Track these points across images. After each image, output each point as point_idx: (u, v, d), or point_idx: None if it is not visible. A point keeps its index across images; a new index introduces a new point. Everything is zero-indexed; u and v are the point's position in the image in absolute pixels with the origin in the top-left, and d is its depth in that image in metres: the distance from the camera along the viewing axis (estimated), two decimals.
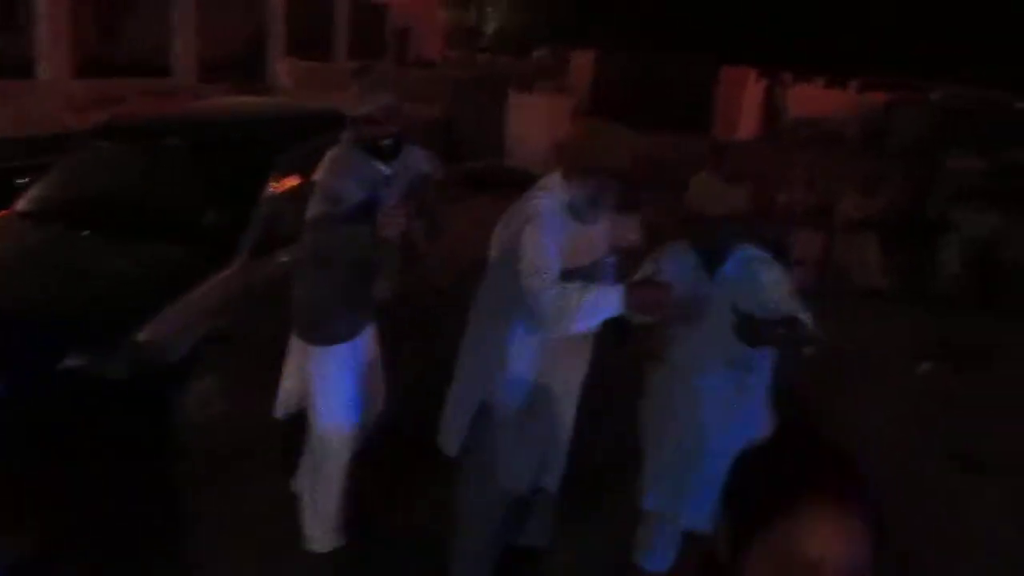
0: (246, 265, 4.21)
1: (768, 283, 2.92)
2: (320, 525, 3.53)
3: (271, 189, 4.50)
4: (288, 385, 3.63)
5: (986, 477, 4.81)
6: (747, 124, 22.84)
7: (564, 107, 13.84)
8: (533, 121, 11.77)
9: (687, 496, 3.06)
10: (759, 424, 2.91)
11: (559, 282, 2.66)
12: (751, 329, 2.65)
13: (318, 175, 3.31)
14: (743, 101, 22.73)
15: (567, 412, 3.07)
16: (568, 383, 3.04)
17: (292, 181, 4.66)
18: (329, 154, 3.34)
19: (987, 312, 7.48)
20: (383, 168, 3.28)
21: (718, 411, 3.00)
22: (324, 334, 3.35)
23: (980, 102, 23.75)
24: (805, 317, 2.79)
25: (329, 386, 3.35)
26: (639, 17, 28.54)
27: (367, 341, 3.51)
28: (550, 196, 2.85)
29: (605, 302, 2.62)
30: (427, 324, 5.30)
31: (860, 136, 23.27)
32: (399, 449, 4.07)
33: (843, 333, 7.02)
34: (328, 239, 3.20)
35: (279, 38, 19.95)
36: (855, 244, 8.46)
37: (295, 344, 3.54)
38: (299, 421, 3.60)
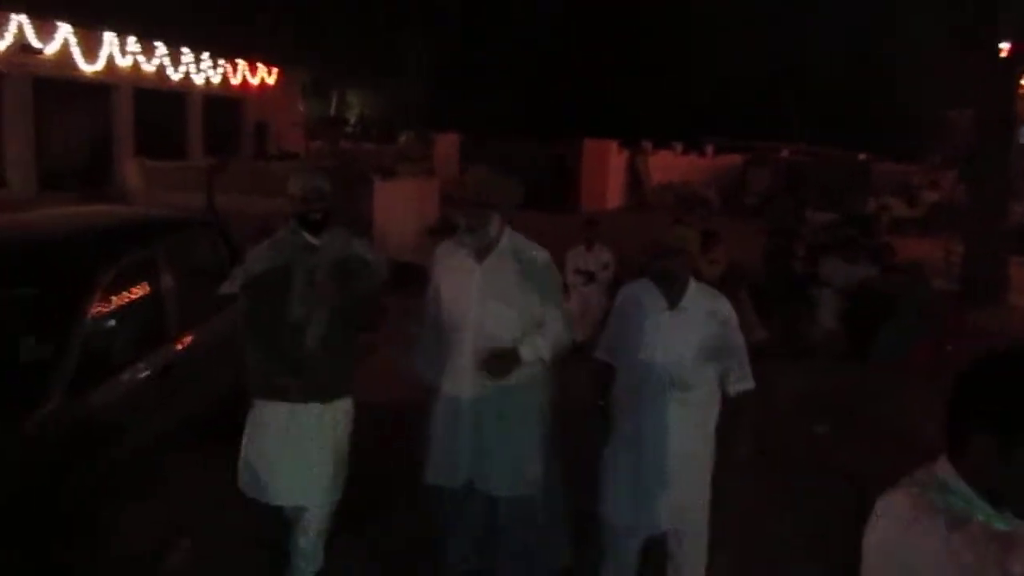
0: (62, 404, 3.60)
1: (719, 316, 3.27)
2: None
3: (92, 310, 3.93)
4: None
5: None
6: (613, 195, 23.35)
7: (429, 189, 13.63)
8: (398, 205, 11.47)
9: (643, 505, 3.31)
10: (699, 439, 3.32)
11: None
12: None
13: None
14: (607, 172, 23.23)
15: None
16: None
17: (116, 301, 4.12)
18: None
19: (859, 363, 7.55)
20: (311, 239, 3.65)
21: (671, 427, 3.26)
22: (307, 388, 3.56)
23: (823, 157, 25.33)
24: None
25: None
26: (499, 103, 29.10)
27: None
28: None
29: None
30: None
31: (719, 196, 24.24)
32: None
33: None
34: (246, 303, 3.66)
35: (127, 140, 19.12)
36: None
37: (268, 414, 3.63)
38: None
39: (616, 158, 23.92)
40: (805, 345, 8.23)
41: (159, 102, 20.06)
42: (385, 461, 4.57)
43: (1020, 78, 12.65)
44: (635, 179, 25.15)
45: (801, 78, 30.86)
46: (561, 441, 3.70)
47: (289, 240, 3.70)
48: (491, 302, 3.38)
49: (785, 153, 27.09)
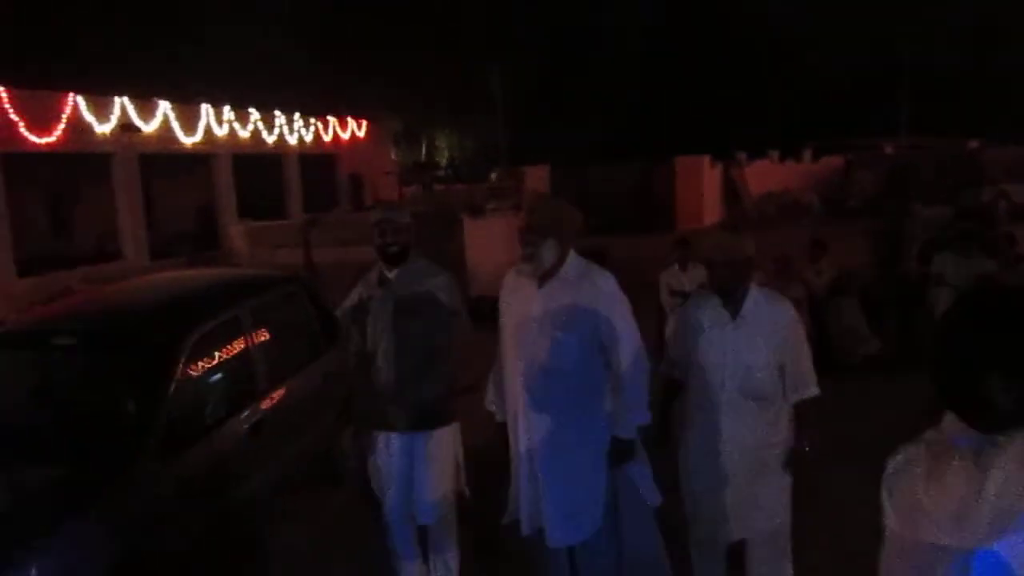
0: (150, 469, 3.63)
1: (782, 322, 3.26)
2: None
3: (181, 374, 3.98)
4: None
5: None
6: (711, 211, 22.82)
7: (517, 225, 13.53)
8: (488, 243, 11.45)
9: (725, 514, 3.34)
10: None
11: None
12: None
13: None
14: (703, 190, 22.72)
15: None
16: None
17: (204, 364, 4.17)
18: None
19: None
20: (386, 272, 3.75)
21: (746, 436, 3.28)
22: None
23: (930, 149, 24.06)
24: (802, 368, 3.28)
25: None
26: (585, 131, 29.05)
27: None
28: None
29: None
30: None
31: (822, 202, 23.34)
32: None
33: (854, 410, 6.56)
34: (347, 336, 3.88)
35: (229, 204, 19.94)
36: (832, 311, 8.03)
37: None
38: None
39: (710, 173, 23.39)
40: (925, 350, 7.67)
41: (257, 166, 20.87)
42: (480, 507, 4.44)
43: None
44: (732, 192, 24.54)
45: (899, 67, 29.59)
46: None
47: (372, 275, 3.85)
48: (550, 329, 3.25)
49: (889, 149, 25.95)
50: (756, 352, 3.22)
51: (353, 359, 3.87)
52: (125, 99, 16.33)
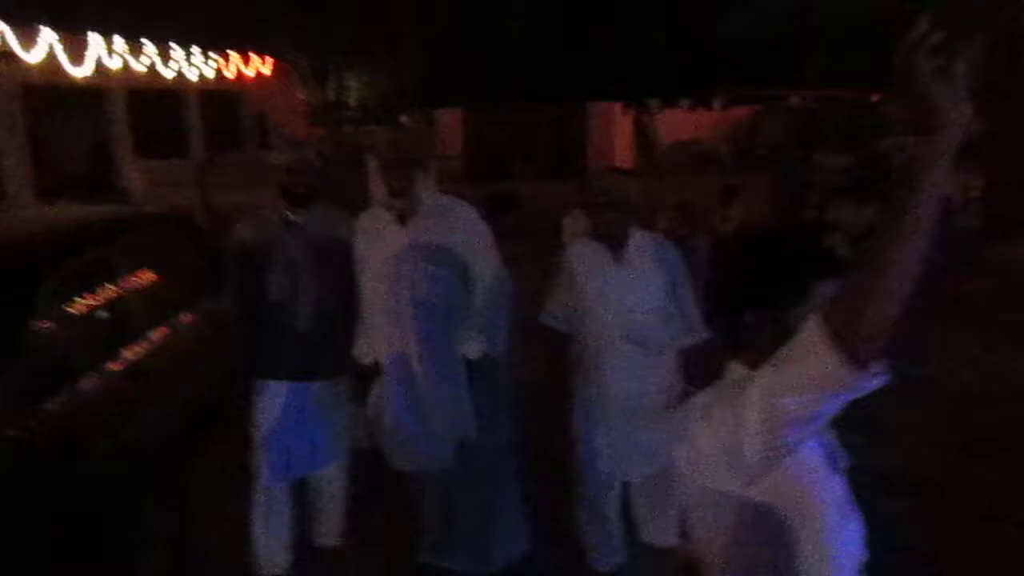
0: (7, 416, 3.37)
1: (666, 265, 3.21)
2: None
3: (42, 317, 3.70)
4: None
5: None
6: (622, 158, 22.88)
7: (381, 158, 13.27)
8: None
9: (617, 455, 3.38)
10: None
11: None
12: None
13: None
14: (614, 136, 22.74)
15: None
16: None
17: (71, 304, 3.88)
18: None
19: None
20: (292, 216, 3.51)
21: (632, 381, 3.24)
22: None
23: (837, 100, 24.64)
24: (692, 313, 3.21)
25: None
26: (497, 74, 28.59)
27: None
28: None
29: None
30: None
31: (731, 151, 23.70)
32: None
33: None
34: (233, 281, 3.63)
35: (125, 142, 18.94)
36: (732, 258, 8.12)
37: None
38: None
39: (622, 119, 23.42)
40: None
41: (155, 102, 19.85)
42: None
43: None
44: (644, 140, 24.65)
45: (810, 20, 30.02)
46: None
47: (271, 216, 3.60)
48: (422, 263, 3.20)
49: (795, 100, 26.43)
50: (639, 296, 3.17)
51: (241, 306, 3.64)
52: (2, 24, 15.20)
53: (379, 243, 3.33)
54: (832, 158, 13.72)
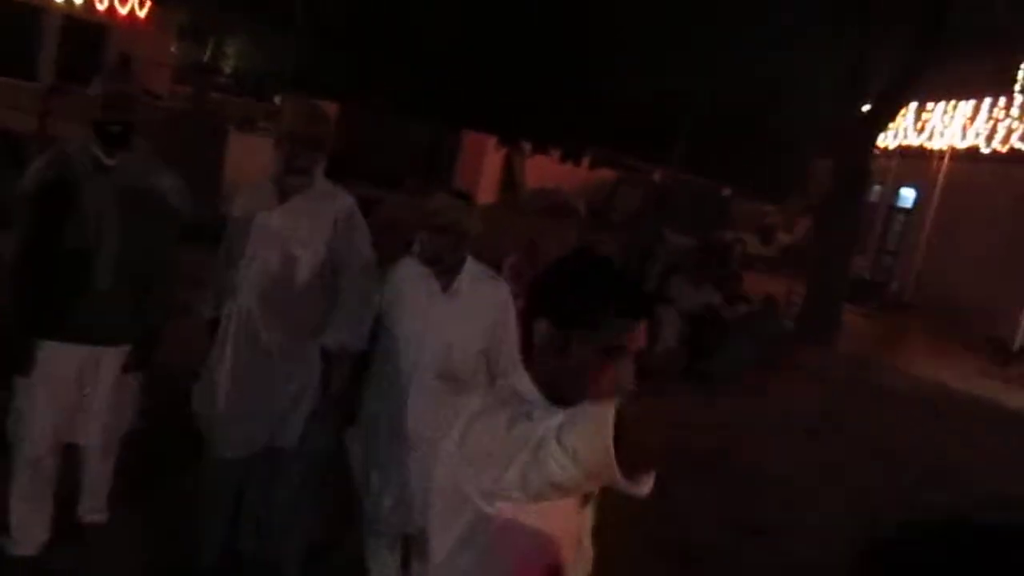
0: None
1: (496, 302, 3.06)
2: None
3: None
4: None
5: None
6: (487, 191, 23.14)
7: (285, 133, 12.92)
8: (251, 162, 10.78)
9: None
10: None
11: None
12: None
13: None
14: (482, 167, 22.98)
15: None
16: None
17: None
18: None
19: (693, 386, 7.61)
20: (103, 157, 3.16)
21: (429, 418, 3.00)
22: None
23: (693, 185, 26.07)
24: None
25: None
26: (383, 78, 28.29)
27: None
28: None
29: None
30: None
31: (587, 209, 24.48)
32: None
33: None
34: (22, 221, 3.16)
35: None
36: None
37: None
38: None
39: (493, 154, 23.73)
40: (645, 363, 8.21)
41: (8, 15, 18.29)
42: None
43: (876, 136, 13.28)
44: (510, 178, 25.04)
45: (686, 105, 31.65)
46: None
47: (78, 154, 3.18)
48: (288, 243, 3.18)
49: (657, 176, 27.70)
50: (462, 330, 3.02)
51: (27, 252, 3.18)
52: None
53: (257, 211, 3.23)
54: (678, 237, 14.44)
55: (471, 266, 3.08)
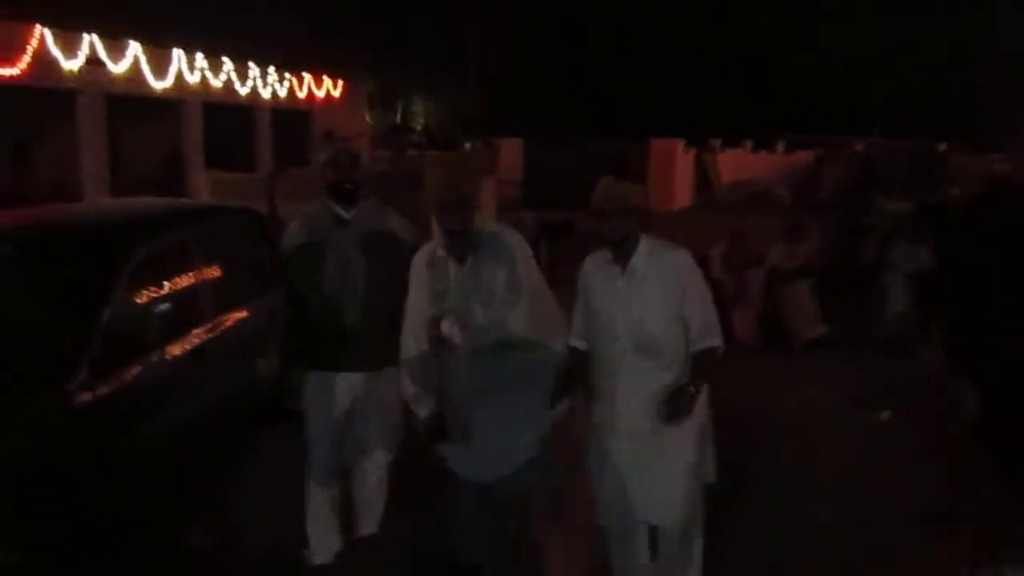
0: (85, 383, 3.59)
1: (677, 270, 3.12)
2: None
3: (121, 292, 3.93)
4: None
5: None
6: (682, 193, 22.89)
7: (487, 190, 13.54)
8: None
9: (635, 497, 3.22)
10: None
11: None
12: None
13: None
14: (674, 172, 22.76)
15: None
16: None
17: (147, 284, 4.12)
18: None
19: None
20: (340, 211, 3.61)
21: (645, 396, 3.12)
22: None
23: (904, 149, 24.35)
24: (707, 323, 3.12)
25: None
26: (562, 107, 28.89)
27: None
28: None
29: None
30: None
31: (790, 193, 23.52)
32: None
33: (792, 385, 6.69)
34: (286, 280, 3.75)
35: (197, 153, 19.58)
36: (788, 293, 8.16)
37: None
38: None
39: (683, 157, 23.45)
40: (878, 334, 7.86)
41: (228, 117, 20.48)
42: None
43: None
44: (704, 178, 24.66)
45: (879, 70, 29.85)
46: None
47: (321, 214, 3.68)
48: (472, 300, 3.16)
49: (860, 147, 26.20)
50: (648, 304, 3.08)
51: (294, 301, 3.72)
52: (94, 36, 15.95)
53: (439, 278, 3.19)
54: (895, 203, 13.59)
55: (646, 243, 3.14)
